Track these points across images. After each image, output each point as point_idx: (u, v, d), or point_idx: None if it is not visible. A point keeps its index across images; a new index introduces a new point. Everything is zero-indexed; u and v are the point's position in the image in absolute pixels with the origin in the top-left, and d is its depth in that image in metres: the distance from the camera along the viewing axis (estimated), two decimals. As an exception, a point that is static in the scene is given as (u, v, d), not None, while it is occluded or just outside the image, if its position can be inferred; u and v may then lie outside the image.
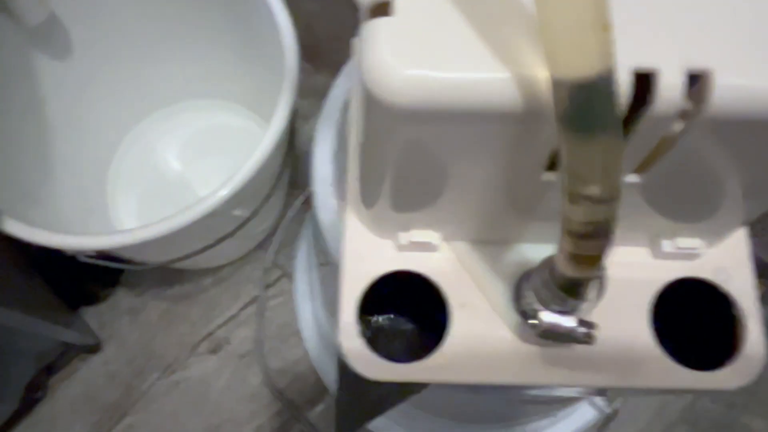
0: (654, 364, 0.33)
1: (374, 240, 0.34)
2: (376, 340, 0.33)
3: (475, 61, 0.22)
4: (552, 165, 0.27)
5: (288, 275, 0.86)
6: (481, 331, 0.33)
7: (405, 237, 0.33)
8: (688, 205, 0.31)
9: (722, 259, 0.34)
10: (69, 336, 0.75)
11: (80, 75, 0.76)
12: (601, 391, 0.76)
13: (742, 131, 0.23)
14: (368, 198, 0.33)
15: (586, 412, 0.79)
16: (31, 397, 0.79)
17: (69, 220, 0.74)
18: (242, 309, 0.85)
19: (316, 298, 0.82)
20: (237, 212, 0.70)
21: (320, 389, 0.81)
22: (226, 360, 0.82)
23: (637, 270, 0.34)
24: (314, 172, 0.49)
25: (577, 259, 0.26)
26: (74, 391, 0.81)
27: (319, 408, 0.81)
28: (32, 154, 0.73)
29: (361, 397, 0.38)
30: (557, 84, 0.20)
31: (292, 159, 0.78)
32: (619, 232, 0.33)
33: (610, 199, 0.22)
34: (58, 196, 0.75)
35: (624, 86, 0.22)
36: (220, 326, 0.84)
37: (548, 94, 0.22)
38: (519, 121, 0.23)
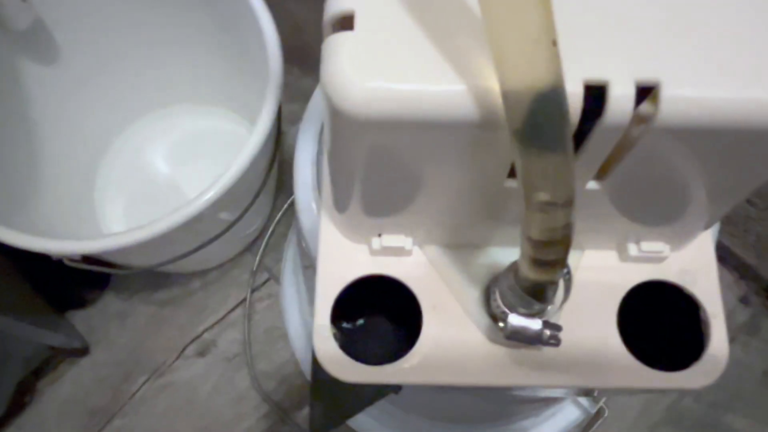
0: (621, 365, 0.33)
1: (348, 245, 0.35)
2: (350, 343, 0.34)
3: (432, 73, 0.22)
4: (514, 172, 0.28)
5: (275, 278, 0.87)
6: (452, 333, 0.34)
7: (377, 242, 0.34)
8: (651, 210, 0.31)
9: (688, 262, 0.35)
10: (56, 340, 0.76)
11: (67, 80, 0.77)
12: (587, 391, 0.77)
13: (694, 139, 0.24)
14: (340, 203, 0.33)
15: (570, 412, 0.80)
16: (19, 401, 0.80)
17: (56, 224, 0.74)
18: (230, 312, 0.85)
19: (303, 301, 0.82)
20: (223, 215, 0.70)
21: (308, 392, 0.81)
22: (214, 363, 0.83)
23: (604, 273, 0.35)
24: (296, 176, 0.49)
25: (538, 263, 0.27)
26: (62, 394, 0.82)
27: (307, 410, 0.81)
28: (19, 158, 0.73)
29: (335, 398, 0.39)
30: (507, 98, 0.21)
31: (279, 162, 0.78)
32: (585, 236, 0.34)
33: (564, 206, 0.23)
34: (45, 201, 0.75)
35: (575, 98, 0.22)
36: (207, 329, 0.84)
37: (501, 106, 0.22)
38: (477, 130, 0.23)
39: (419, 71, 0.23)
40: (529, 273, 0.28)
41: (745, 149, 0.25)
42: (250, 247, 0.88)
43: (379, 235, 0.34)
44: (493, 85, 0.22)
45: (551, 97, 0.20)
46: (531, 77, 0.20)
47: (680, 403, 0.82)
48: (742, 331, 0.85)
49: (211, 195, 0.60)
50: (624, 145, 0.25)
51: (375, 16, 0.23)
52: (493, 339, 0.34)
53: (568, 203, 0.23)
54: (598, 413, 0.79)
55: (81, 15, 0.73)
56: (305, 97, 0.53)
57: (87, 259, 0.63)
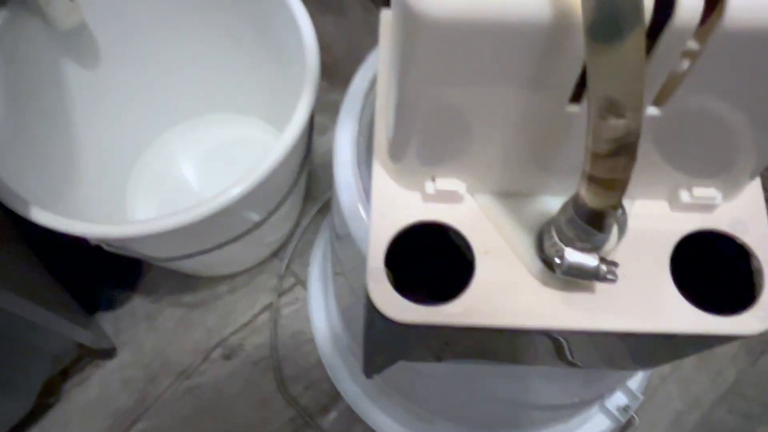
0: (675, 309, 0.33)
1: (401, 192, 0.36)
2: (403, 286, 0.34)
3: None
4: (576, 97, 0.28)
5: (302, 283, 0.87)
6: (504, 276, 0.34)
7: (431, 186, 0.35)
8: (705, 151, 0.32)
9: (738, 212, 0.35)
10: (85, 337, 0.76)
11: (106, 83, 0.79)
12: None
13: (758, 49, 0.25)
14: (397, 149, 0.34)
15: (600, 422, 0.79)
16: (44, 402, 0.80)
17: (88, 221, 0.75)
18: (256, 316, 0.85)
19: (331, 306, 0.83)
20: (250, 214, 0.71)
21: (333, 396, 0.81)
22: (240, 366, 0.83)
23: (656, 221, 0.35)
24: (336, 155, 0.50)
25: (600, 184, 0.27)
26: (88, 396, 0.81)
27: (333, 415, 0.80)
28: (57, 156, 0.75)
29: (387, 340, 0.39)
30: None
31: (307, 170, 0.79)
32: (637, 185, 0.34)
33: (632, 109, 0.24)
34: (80, 199, 0.76)
35: (646, 1, 0.23)
36: (234, 333, 0.84)
37: (577, 8, 0.23)
38: (548, 36, 0.24)
39: (492, -24, 0.24)
40: (590, 198, 0.28)
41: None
42: (278, 252, 0.89)
43: (433, 180, 0.35)
44: (566, -13, 0.23)
45: None
46: None
47: (713, 414, 0.81)
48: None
49: (240, 189, 0.61)
50: (687, 60, 0.25)
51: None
52: (546, 282, 0.34)
53: (637, 106, 0.24)
54: (629, 423, 0.78)
55: (124, 20, 0.75)
56: (333, 110, 0.55)
57: (122, 246, 0.64)
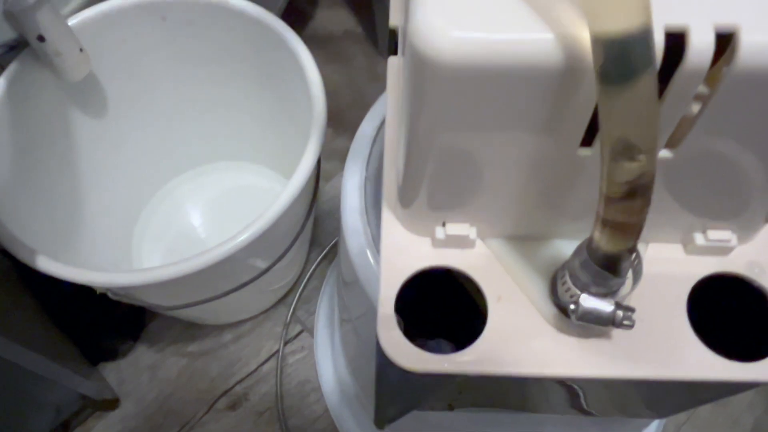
0: (694, 355, 0.33)
1: (411, 237, 0.35)
2: (415, 335, 0.34)
3: (517, 22, 0.24)
4: (587, 141, 0.28)
5: (308, 330, 0.86)
6: (518, 323, 0.33)
7: (441, 231, 0.34)
8: (719, 193, 0.31)
9: (755, 254, 0.34)
10: (88, 388, 0.74)
11: (114, 132, 0.80)
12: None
13: (769, 90, 0.24)
14: (407, 195, 0.34)
15: None
16: (46, 455, 0.78)
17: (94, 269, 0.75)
18: (262, 364, 0.84)
19: (338, 354, 0.81)
20: (256, 261, 0.70)
21: (342, 444, 0.79)
22: (245, 417, 0.81)
23: (671, 265, 0.35)
24: (344, 201, 0.50)
25: (615, 228, 0.27)
26: (90, 448, 0.79)
27: (340, 467, 0.78)
28: (65, 204, 0.75)
29: (399, 389, 0.38)
30: (596, 39, 0.22)
31: (314, 217, 0.79)
32: (651, 228, 0.34)
33: (648, 150, 0.24)
34: (86, 247, 0.76)
35: (657, 44, 0.23)
36: (239, 382, 0.83)
37: (588, 52, 0.23)
38: (560, 81, 0.24)
39: (503, 21, 0.24)
40: (604, 242, 0.28)
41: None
42: (284, 299, 0.88)
43: (444, 224, 0.34)
44: (578, 32, 0.23)
45: (641, 35, 0.21)
46: (623, 17, 0.21)
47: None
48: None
49: (246, 236, 0.60)
50: (699, 103, 0.25)
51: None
52: (560, 329, 0.33)
53: (651, 148, 0.24)
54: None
55: (133, 70, 0.76)
56: (338, 156, 0.55)
57: (127, 295, 0.63)
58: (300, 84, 0.69)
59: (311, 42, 0.67)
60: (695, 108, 0.26)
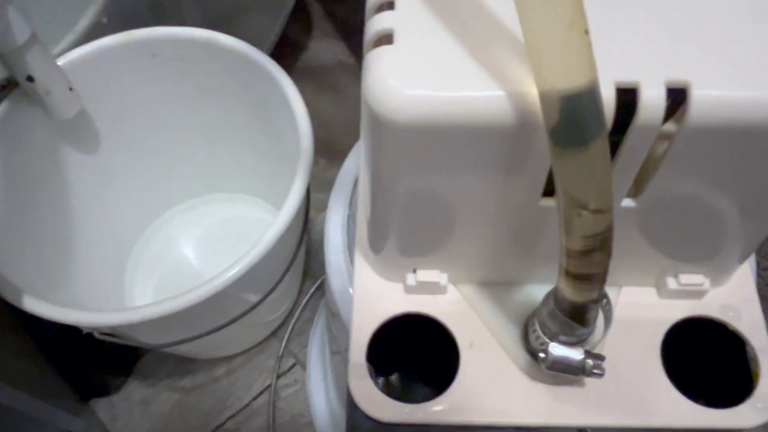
0: (668, 401, 0.32)
1: (383, 283, 0.35)
2: (386, 383, 0.33)
3: (468, 80, 0.24)
4: (548, 192, 0.28)
5: (301, 363, 0.86)
6: (491, 370, 0.33)
7: (412, 278, 0.34)
8: (687, 236, 0.31)
9: (729, 297, 0.34)
10: (76, 425, 0.74)
11: (106, 168, 0.80)
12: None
13: (724, 142, 0.24)
14: (376, 242, 0.34)
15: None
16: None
17: (85, 306, 0.75)
18: (255, 399, 0.83)
19: (331, 387, 0.81)
20: (247, 294, 0.70)
21: (334, 483, 0.78)
22: (237, 452, 0.80)
23: (644, 310, 0.34)
24: (327, 239, 0.50)
25: (579, 279, 0.27)
26: (80, 487, 0.79)
27: (333, 503, 0.77)
28: (56, 241, 0.75)
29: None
30: (545, 98, 0.22)
31: (305, 248, 0.79)
32: (622, 271, 0.34)
33: (603, 211, 0.23)
34: (77, 283, 0.76)
35: (607, 100, 0.23)
36: (231, 417, 0.82)
37: (539, 110, 0.23)
38: (513, 136, 0.24)
39: (455, 79, 0.24)
40: (569, 292, 0.27)
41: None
42: (276, 332, 0.88)
43: (414, 271, 0.34)
44: (529, 89, 0.23)
45: (588, 94, 0.21)
46: (569, 75, 0.21)
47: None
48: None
49: (235, 271, 0.60)
50: (656, 155, 0.25)
51: (412, 33, 0.25)
52: (533, 376, 0.33)
53: (607, 207, 0.23)
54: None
55: (122, 106, 0.77)
56: (331, 187, 0.55)
57: (115, 334, 0.63)
58: (289, 119, 0.69)
59: (304, 72, 0.67)
60: (655, 158, 0.26)
